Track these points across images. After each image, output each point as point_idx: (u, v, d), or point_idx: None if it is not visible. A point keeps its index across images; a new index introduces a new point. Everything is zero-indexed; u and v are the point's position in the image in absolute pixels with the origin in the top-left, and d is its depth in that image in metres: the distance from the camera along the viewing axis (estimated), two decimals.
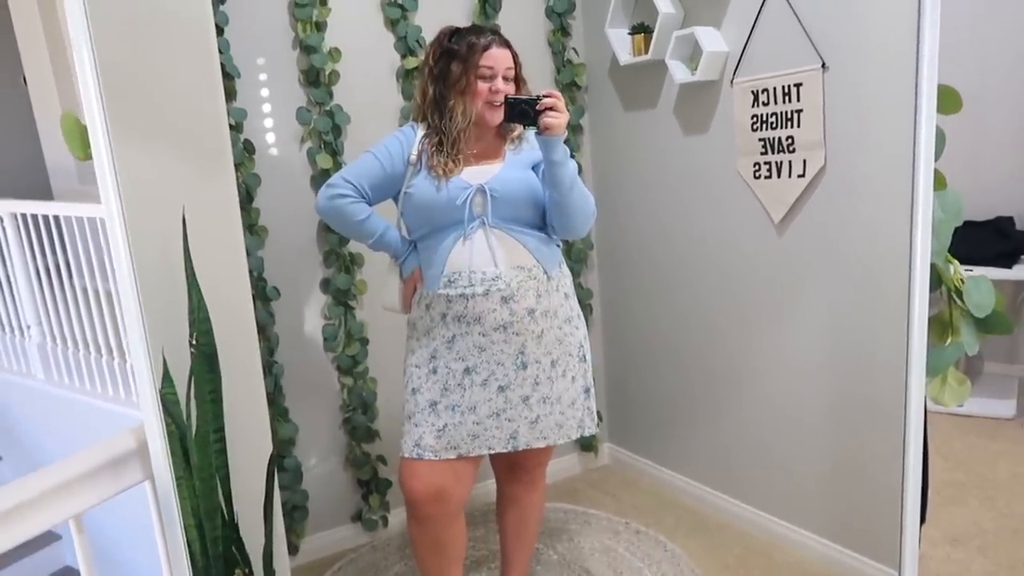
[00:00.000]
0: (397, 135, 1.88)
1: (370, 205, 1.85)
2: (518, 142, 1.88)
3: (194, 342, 1.62)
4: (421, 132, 1.85)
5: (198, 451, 1.61)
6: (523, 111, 1.70)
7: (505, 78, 1.80)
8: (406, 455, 1.85)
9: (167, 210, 1.67)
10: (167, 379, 1.63)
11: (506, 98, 1.71)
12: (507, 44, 1.82)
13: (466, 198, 1.77)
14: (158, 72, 1.69)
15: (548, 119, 1.69)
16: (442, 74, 1.80)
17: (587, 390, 1.97)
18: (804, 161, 2.20)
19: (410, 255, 1.89)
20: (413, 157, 1.82)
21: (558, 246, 1.93)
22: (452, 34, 1.81)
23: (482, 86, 1.77)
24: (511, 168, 1.83)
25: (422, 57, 1.95)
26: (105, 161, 1.46)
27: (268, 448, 1.84)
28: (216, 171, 1.81)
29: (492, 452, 1.86)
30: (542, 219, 1.87)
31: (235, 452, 1.73)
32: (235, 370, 1.76)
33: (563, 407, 1.90)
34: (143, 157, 1.66)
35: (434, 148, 1.80)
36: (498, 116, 1.78)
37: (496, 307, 1.79)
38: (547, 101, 1.69)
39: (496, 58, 1.78)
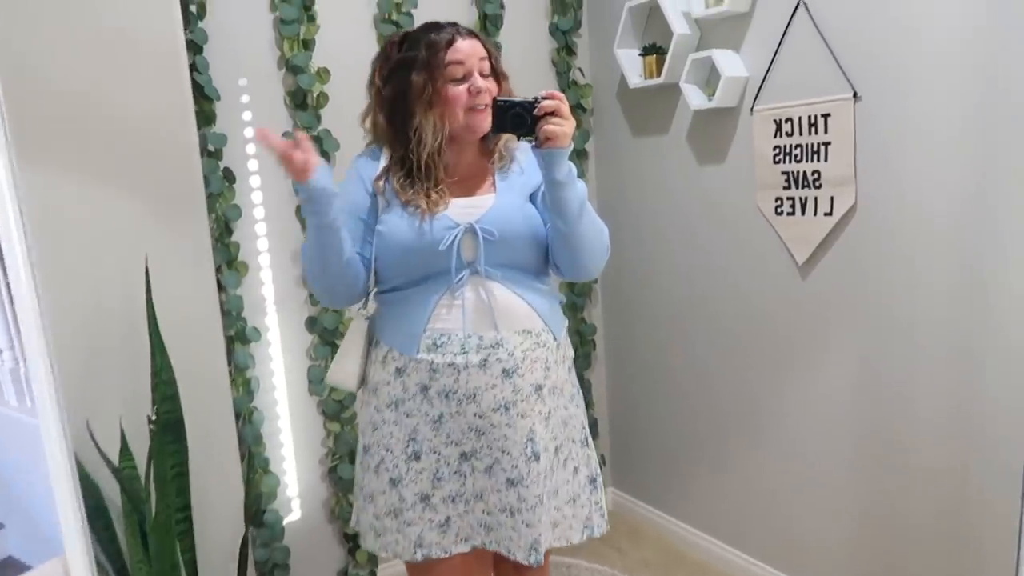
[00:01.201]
0: (355, 166, 1.53)
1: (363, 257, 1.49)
2: (506, 160, 1.52)
3: (154, 414, 1.42)
4: (385, 158, 1.50)
5: (157, 536, 1.42)
6: (517, 117, 1.32)
7: (482, 74, 1.43)
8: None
9: (127, 259, 1.48)
10: (125, 452, 1.45)
11: (494, 100, 1.35)
12: (473, 34, 1.46)
13: (452, 240, 1.40)
14: (111, 97, 1.49)
15: (550, 126, 1.31)
16: (400, 93, 1.43)
17: (592, 480, 1.60)
18: (832, 198, 2.02)
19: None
20: (376, 186, 1.47)
21: (561, 302, 1.60)
22: (402, 42, 1.47)
23: (457, 90, 1.41)
24: (506, 199, 1.47)
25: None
26: (6, 192, 1.08)
27: (241, 529, 1.64)
28: (186, 212, 1.62)
29: (512, 557, 1.45)
30: (544, 264, 1.53)
31: (203, 533, 1.54)
32: (205, 440, 1.57)
33: (559, 502, 1.53)
34: (97, 198, 1.46)
35: (401, 183, 1.45)
36: (487, 122, 1.40)
37: (496, 382, 1.42)
38: (547, 104, 1.31)
39: (464, 51, 1.41)
